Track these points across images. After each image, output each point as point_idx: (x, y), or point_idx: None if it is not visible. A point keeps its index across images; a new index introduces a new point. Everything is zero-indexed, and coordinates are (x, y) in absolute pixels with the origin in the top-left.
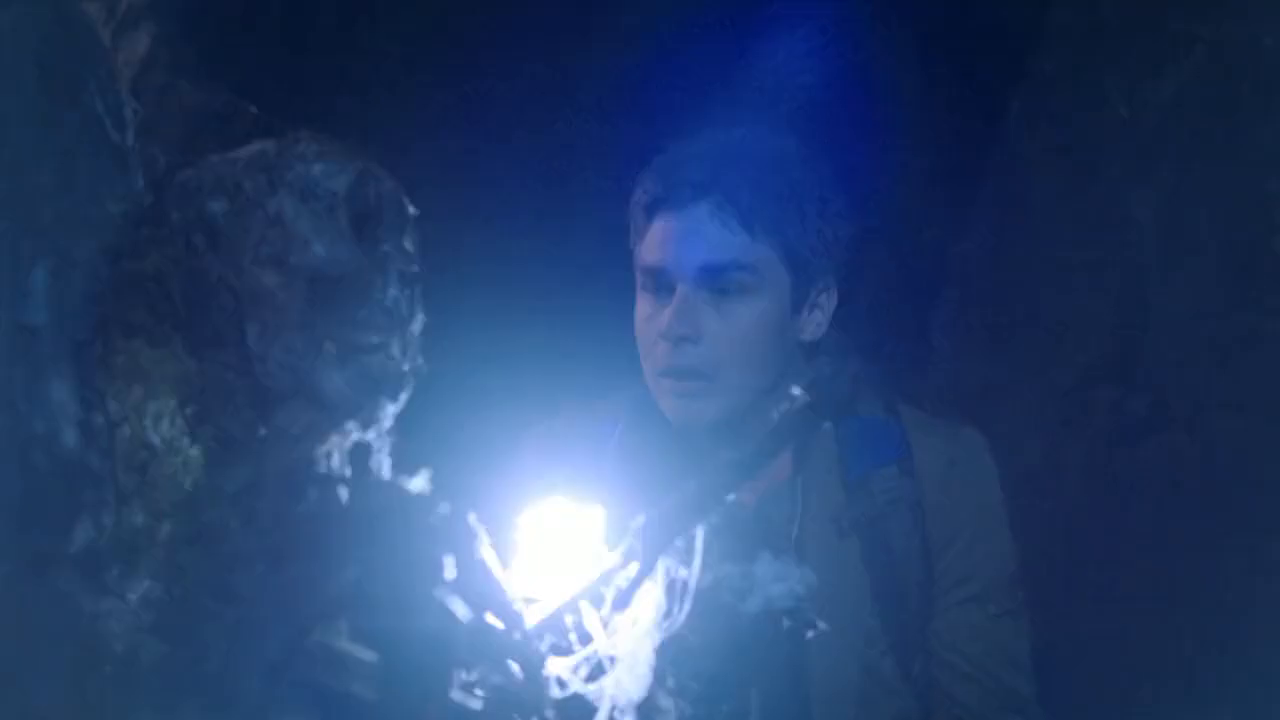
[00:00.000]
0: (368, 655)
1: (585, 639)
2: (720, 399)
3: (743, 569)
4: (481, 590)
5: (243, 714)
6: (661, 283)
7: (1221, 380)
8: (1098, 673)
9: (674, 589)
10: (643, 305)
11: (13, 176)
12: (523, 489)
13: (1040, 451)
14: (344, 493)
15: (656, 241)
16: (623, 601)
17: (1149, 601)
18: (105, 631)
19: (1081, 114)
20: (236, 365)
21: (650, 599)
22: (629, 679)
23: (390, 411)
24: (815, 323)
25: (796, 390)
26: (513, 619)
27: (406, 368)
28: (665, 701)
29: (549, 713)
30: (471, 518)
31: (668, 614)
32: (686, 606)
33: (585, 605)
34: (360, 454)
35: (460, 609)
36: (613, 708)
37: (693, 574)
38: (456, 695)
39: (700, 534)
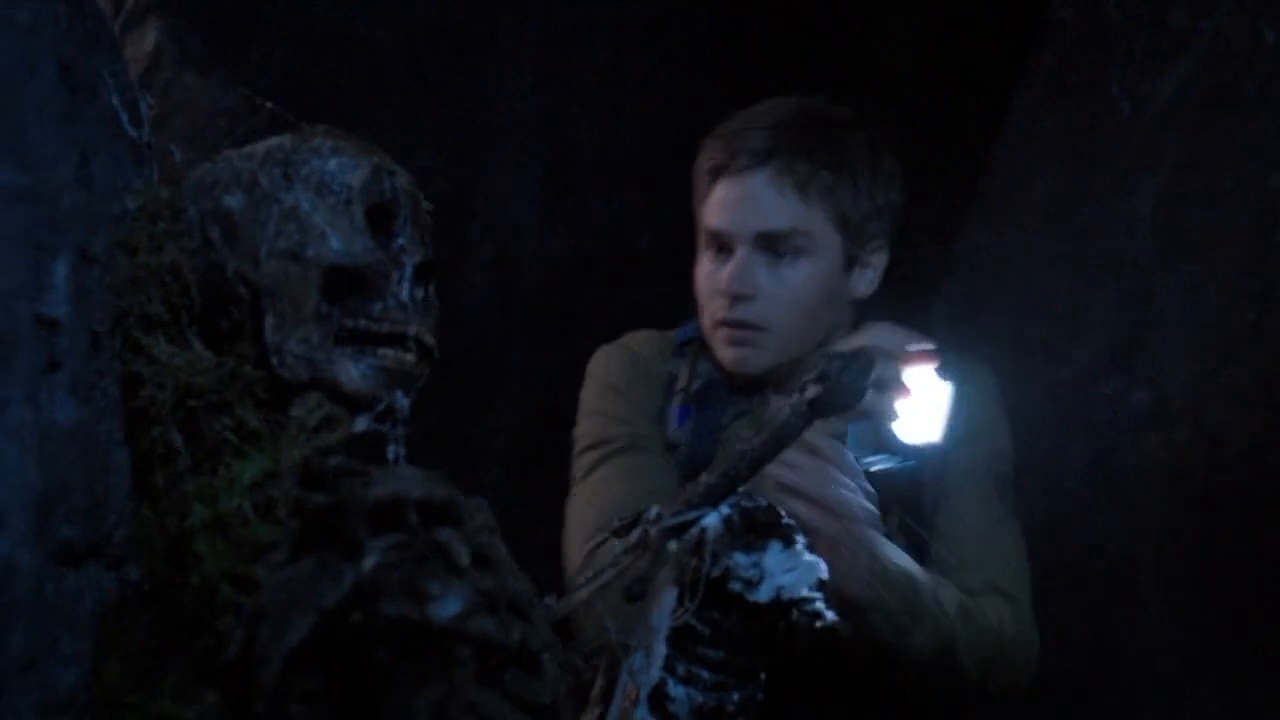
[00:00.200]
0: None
1: None
2: (772, 350)
3: (753, 558)
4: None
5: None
6: (722, 243)
7: (1224, 374)
8: (1106, 662)
9: (686, 578)
10: (704, 261)
11: (34, 171)
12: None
13: (1043, 445)
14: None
15: (718, 206)
16: (637, 591)
17: (1154, 593)
18: (126, 619)
19: (1083, 109)
20: (253, 357)
21: (663, 588)
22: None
23: (405, 403)
24: (867, 280)
25: (810, 388)
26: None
27: (420, 359)
28: (676, 690)
29: None
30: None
31: (679, 603)
32: (698, 596)
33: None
34: (375, 443)
35: None
36: (623, 696)
37: (704, 563)
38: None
39: (713, 524)
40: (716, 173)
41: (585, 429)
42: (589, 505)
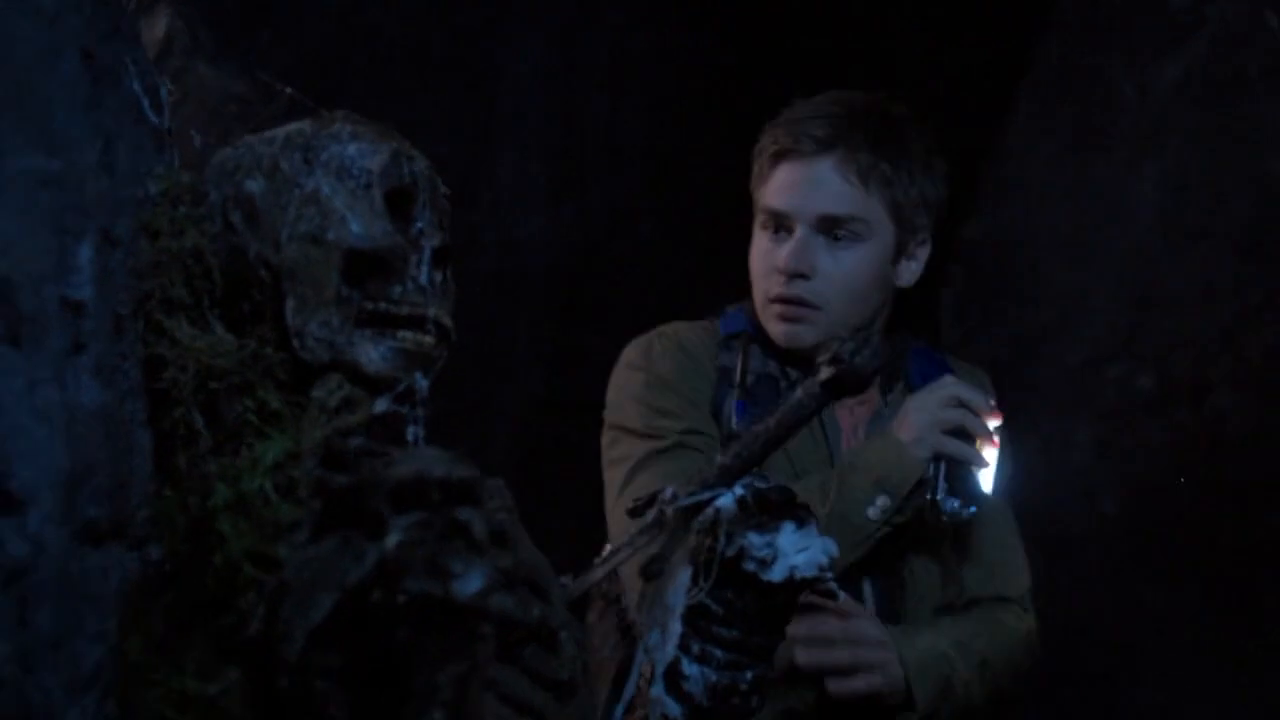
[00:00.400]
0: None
1: None
2: (822, 328)
3: (767, 538)
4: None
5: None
6: (782, 223)
7: (1227, 357)
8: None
9: (700, 558)
10: (761, 240)
11: (62, 156)
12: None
13: (1049, 429)
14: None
15: (781, 187)
16: (654, 569)
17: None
18: (147, 599)
19: (1087, 94)
20: (274, 340)
21: (679, 567)
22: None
23: (424, 384)
24: (911, 271)
25: (823, 370)
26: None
27: (439, 341)
28: (690, 668)
29: None
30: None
31: (694, 583)
32: (713, 576)
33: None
34: (395, 425)
35: None
36: (639, 675)
37: (719, 543)
38: None
39: (727, 504)
40: (780, 156)
41: (629, 414)
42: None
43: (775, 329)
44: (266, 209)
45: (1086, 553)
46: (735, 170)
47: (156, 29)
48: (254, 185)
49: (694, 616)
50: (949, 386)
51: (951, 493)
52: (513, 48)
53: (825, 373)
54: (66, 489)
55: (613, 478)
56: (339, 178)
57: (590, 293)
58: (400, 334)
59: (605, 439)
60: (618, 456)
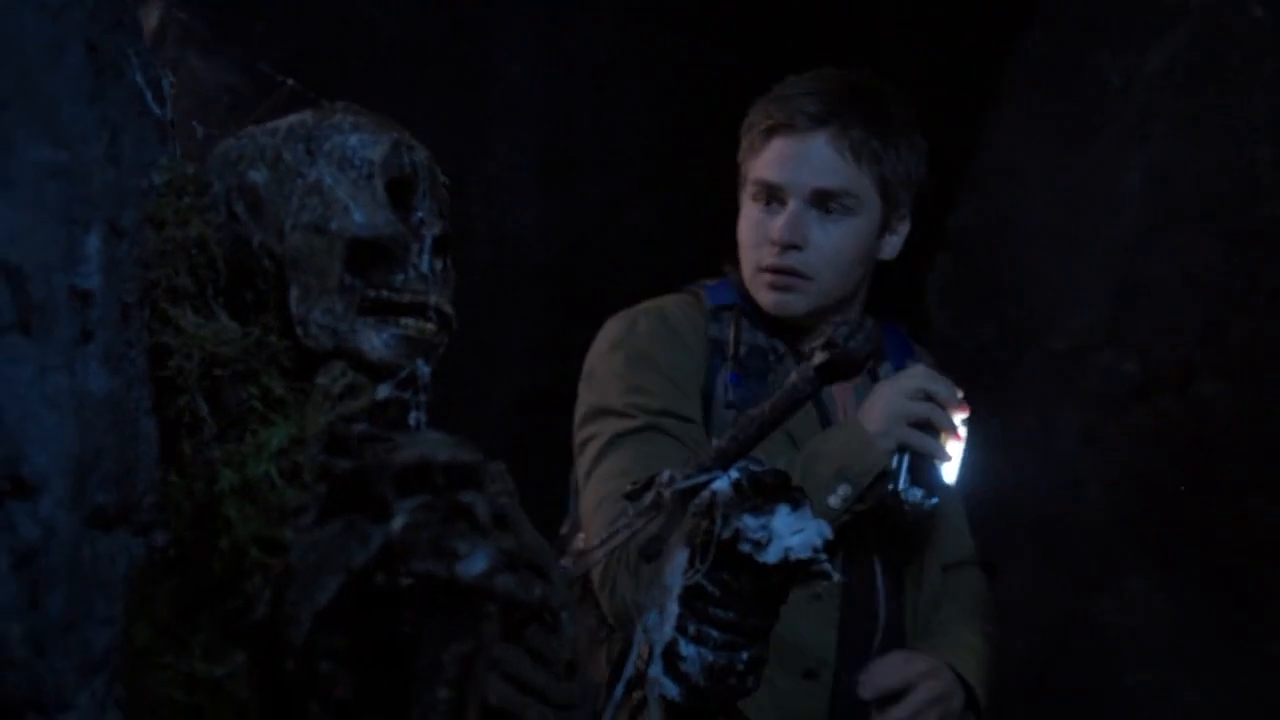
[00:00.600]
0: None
1: None
2: (811, 298)
3: (762, 520)
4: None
5: (291, 659)
6: (774, 195)
7: (1212, 345)
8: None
9: (697, 540)
10: (751, 211)
11: (67, 148)
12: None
13: (1034, 415)
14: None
15: (775, 160)
16: (653, 550)
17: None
18: (154, 584)
19: (1073, 83)
20: (278, 328)
21: (676, 549)
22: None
23: (426, 371)
24: (892, 244)
25: (817, 355)
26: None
27: (440, 329)
28: (687, 649)
29: None
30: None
31: (690, 564)
32: (709, 557)
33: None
34: (398, 410)
35: None
36: (637, 655)
37: (715, 525)
38: None
39: (722, 487)
40: (774, 130)
41: (608, 392)
42: (606, 483)
43: (765, 298)
44: (270, 199)
45: (1072, 538)
46: (727, 161)
47: (149, 20)
48: (257, 175)
49: (691, 597)
50: (918, 378)
51: (914, 483)
52: (505, 40)
53: (819, 357)
54: (76, 475)
55: (583, 456)
56: (341, 168)
57: (582, 284)
58: (402, 321)
59: (579, 414)
60: (591, 434)
